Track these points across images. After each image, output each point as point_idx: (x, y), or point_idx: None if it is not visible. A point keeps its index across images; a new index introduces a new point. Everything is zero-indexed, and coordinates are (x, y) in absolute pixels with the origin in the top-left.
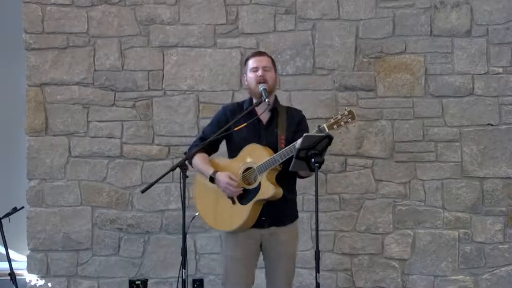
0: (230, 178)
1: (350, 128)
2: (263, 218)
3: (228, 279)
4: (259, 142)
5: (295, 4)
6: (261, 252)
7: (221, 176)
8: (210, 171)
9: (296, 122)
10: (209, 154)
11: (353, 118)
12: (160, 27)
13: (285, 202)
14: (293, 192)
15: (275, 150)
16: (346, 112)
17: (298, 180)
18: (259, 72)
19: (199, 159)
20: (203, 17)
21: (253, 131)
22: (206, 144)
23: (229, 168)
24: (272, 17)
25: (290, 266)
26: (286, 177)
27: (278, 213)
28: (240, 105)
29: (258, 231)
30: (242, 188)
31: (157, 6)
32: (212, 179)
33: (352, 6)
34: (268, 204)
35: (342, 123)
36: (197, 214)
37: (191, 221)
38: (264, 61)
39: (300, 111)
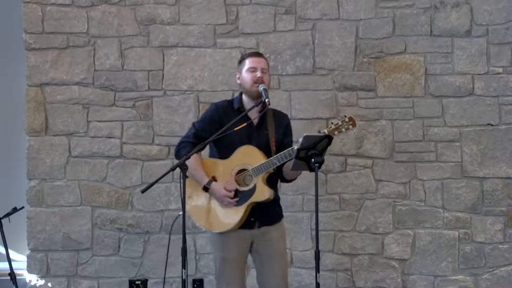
0: (226, 189)
1: (350, 134)
2: (252, 219)
3: (222, 281)
4: (249, 143)
5: (295, 4)
6: (249, 255)
7: (217, 187)
8: (204, 179)
9: (284, 125)
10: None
11: (354, 125)
12: (160, 27)
13: (274, 202)
14: (278, 192)
15: (266, 152)
16: (347, 119)
17: (298, 180)
18: (258, 73)
19: (193, 162)
20: (203, 17)
21: (244, 132)
22: (197, 142)
23: (221, 169)
24: (272, 17)
25: (285, 265)
26: (274, 178)
27: (268, 212)
28: (230, 103)
29: (249, 232)
30: (237, 200)
31: (157, 6)
32: (206, 189)
33: (352, 6)
34: (259, 205)
35: (343, 129)
36: (180, 214)
37: (174, 221)
38: (262, 62)
39: (285, 115)
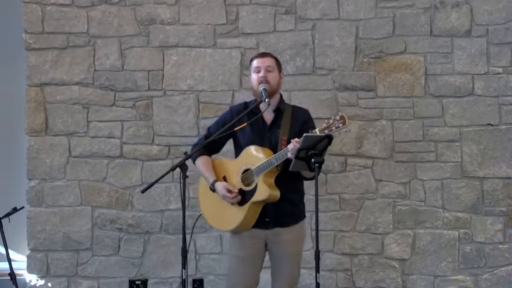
0: (228, 190)
1: (341, 133)
2: (267, 219)
3: (230, 278)
4: (262, 143)
5: (295, 4)
6: (267, 252)
7: (219, 187)
8: (210, 179)
9: (301, 122)
10: (212, 153)
11: (344, 123)
12: (160, 27)
13: (288, 203)
14: (298, 193)
15: (275, 151)
16: (338, 117)
17: None
18: (261, 73)
19: (201, 163)
20: (203, 17)
21: (257, 132)
22: (209, 144)
23: (230, 168)
24: (272, 17)
25: (294, 267)
26: (289, 178)
27: (281, 214)
28: (247, 105)
29: (262, 232)
30: (239, 199)
31: (157, 6)
32: (212, 189)
33: (352, 6)
34: (272, 205)
35: (333, 128)
36: (201, 214)
37: (195, 222)
38: (267, 61)
39: (306, 111)
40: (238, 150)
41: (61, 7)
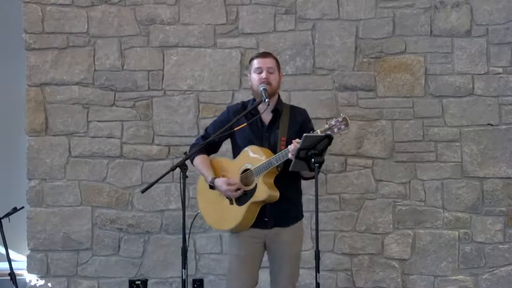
0: (229, 183)
1: (343, 134)
2: (266, 219)
3: (230, 278)
4: (261, 143)
5: (295, 4)
6: (265, 252)
7: (220, 182)
8: (209, 177)
9: (300, 122)
10: (209, 154)
11: (346, 125)
12: (160, 27)
13: (288, 203)
14: (297, 193)
15: (275, 152)
16: (340, 119)
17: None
18: (263, 74)
19: (200, 162)
20: (203, 17)
21: (256, 132)
22: (207, 144)
23: (230, 168)
24: (272, 17)
25: (294, 267)
26: (288, 178)
27: (281, 214)
28: (244, 105)
29: (262, 232)
30: (243, 190)
31: (157, 6)
32: (211, 186)
33: (352, 6)
34: (271, 205)
35: (335, 129)
36: (198, 213)
37: (193, 220)
38: (268, 62)
39: (304, 111)
40: (236, 150)
41: (61, 7)
